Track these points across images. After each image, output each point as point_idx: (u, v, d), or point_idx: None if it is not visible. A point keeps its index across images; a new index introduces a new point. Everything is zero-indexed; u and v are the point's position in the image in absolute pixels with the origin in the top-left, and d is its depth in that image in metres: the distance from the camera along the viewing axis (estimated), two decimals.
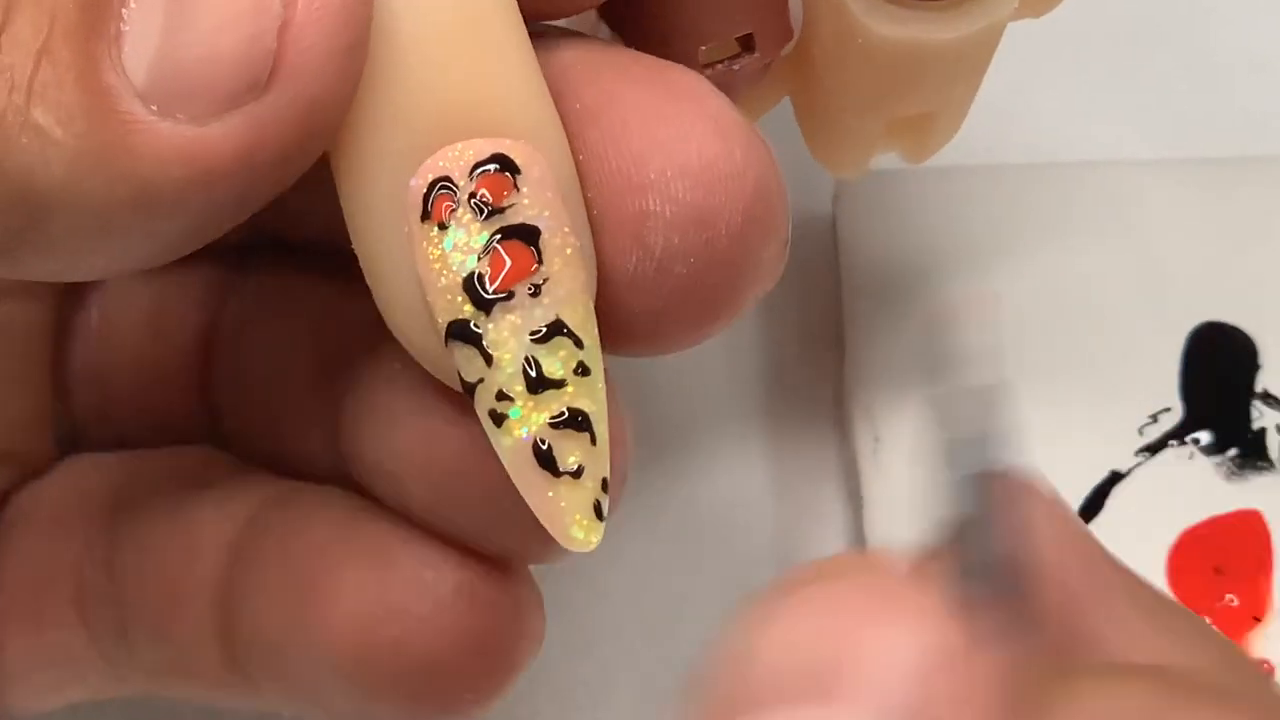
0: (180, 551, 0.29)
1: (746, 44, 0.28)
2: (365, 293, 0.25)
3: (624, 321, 0.25)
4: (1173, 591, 0.37)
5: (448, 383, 0.24)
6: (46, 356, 0.31)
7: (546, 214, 0.23)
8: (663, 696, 0.37)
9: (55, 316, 0.31)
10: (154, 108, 0.22)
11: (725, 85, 0.27)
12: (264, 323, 0.30)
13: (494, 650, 0.28)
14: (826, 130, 0.32)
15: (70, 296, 0.31)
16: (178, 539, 0.29)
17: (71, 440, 0.31)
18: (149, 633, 0.29)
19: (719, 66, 0.28)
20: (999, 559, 0.17)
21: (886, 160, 0.35)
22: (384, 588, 0.27)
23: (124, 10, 0.22)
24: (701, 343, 0.26)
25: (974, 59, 0.30)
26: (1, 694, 0.30)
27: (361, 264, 0.24)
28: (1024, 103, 0.43)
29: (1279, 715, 0.20)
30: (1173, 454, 0.39)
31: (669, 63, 0.25)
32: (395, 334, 0.24)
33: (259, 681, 0.29)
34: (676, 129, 0.24)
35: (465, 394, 0.24)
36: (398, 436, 0.27)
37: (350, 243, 0.24)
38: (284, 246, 0.30)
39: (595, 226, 0.24)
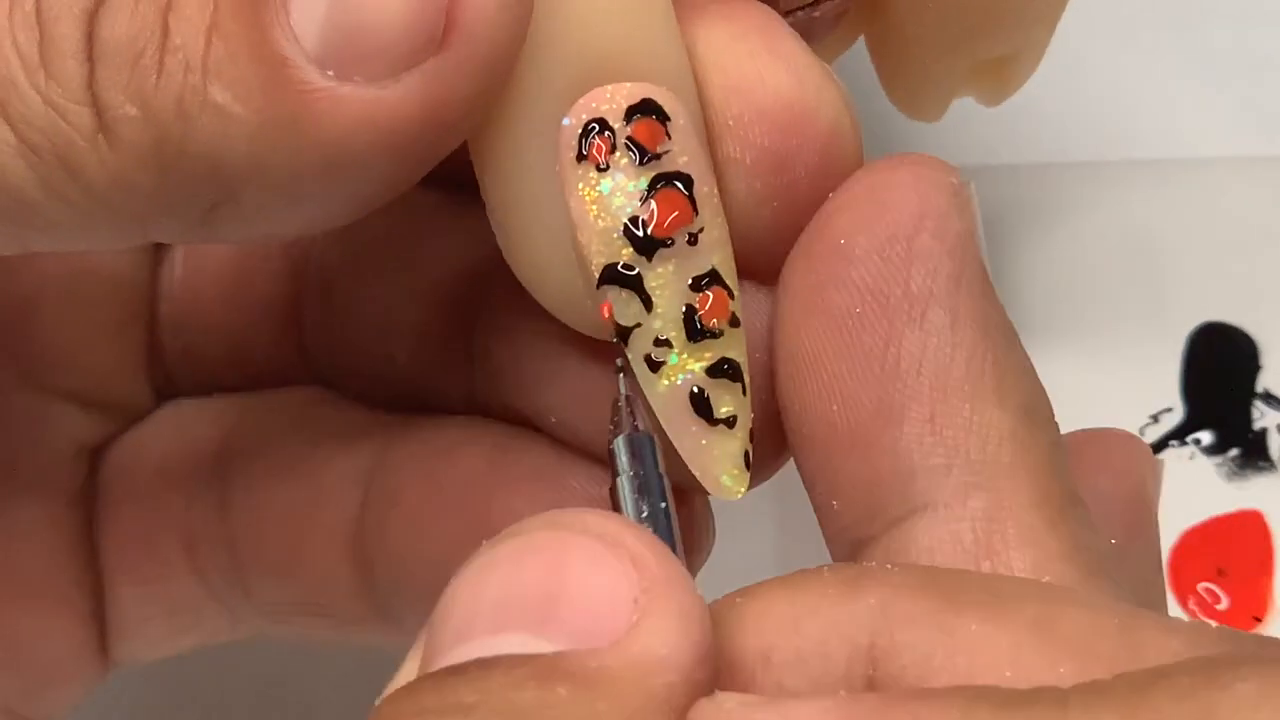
0: (303, 491, 0.28)
1: None
2: (483, 227, 0.24)
3: None
4: (1174, 591, 0.37)
5: (588, 331, 0.24)
6: (142, 303, 0.30)
7: (694, 162, 0.23)
8: None
9: (149, 262, 0.30)
10: (330, 73, 0.21)
11: (805, 31, 0.27)
12: (367, 261, 0.29)
13: None
14: (905, 74, 0.31)
15: (156, 244, 0.29)
16: (299, 479, 0.28)
17: (166, 387, 0.30)
18: (273, 574, 0.29)
19: (799, 13, 0.28)
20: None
21: None
22: (561, 506, 0.26)
23: None
24: None
25: None
26: (118, 645, 0.30)
27: (493, 211, 0.24)
28: (1024, 103, 0.43)
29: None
30: (1173, 454, 0.39)
31: (746, 1, 0.24)
32: (525, 283, 0.24)
33: (401, 614, 0.28)
34: (751, 72, 0.23)
35: (619, 339, 0.23)
36: (565, 389, 0.26)
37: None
38: None
39: None
